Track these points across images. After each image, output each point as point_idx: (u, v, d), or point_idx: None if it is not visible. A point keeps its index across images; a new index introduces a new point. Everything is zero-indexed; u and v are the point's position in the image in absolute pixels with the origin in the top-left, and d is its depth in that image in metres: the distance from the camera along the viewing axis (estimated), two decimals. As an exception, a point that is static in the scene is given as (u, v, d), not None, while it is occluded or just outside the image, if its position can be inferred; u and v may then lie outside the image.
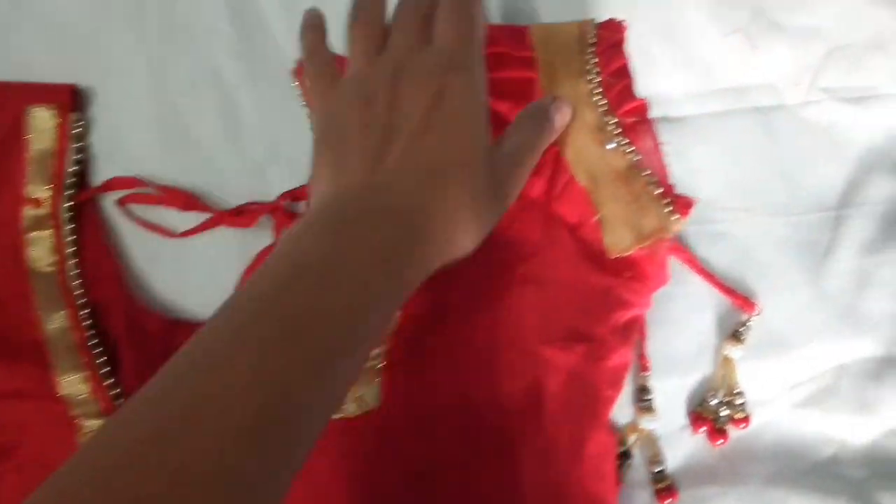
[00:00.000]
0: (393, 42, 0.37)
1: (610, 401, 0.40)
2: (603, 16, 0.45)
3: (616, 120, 0.41)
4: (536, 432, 0.39)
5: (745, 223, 0.44)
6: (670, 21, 0.45)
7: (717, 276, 0.44)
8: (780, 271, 0.44)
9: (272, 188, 0.44)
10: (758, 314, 0.44)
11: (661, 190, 0.40)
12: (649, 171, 0.40)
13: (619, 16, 0.45)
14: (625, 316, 0.40)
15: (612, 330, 0.40)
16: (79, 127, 0.44)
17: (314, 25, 0.40)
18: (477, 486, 0.39)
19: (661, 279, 0.41)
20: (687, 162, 0.44)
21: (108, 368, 0.41)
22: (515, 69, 0.42)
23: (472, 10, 0.36)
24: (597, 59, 0.42)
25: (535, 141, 0.38)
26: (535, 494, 0.39)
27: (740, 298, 0.43)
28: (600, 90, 0.41)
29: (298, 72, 0.44)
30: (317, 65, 0.39)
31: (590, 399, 0.39)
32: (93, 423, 0.40)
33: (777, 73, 0.45)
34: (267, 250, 0.43)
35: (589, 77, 0.41)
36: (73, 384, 0.40)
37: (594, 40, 0.42)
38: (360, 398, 0.40)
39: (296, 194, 0.44)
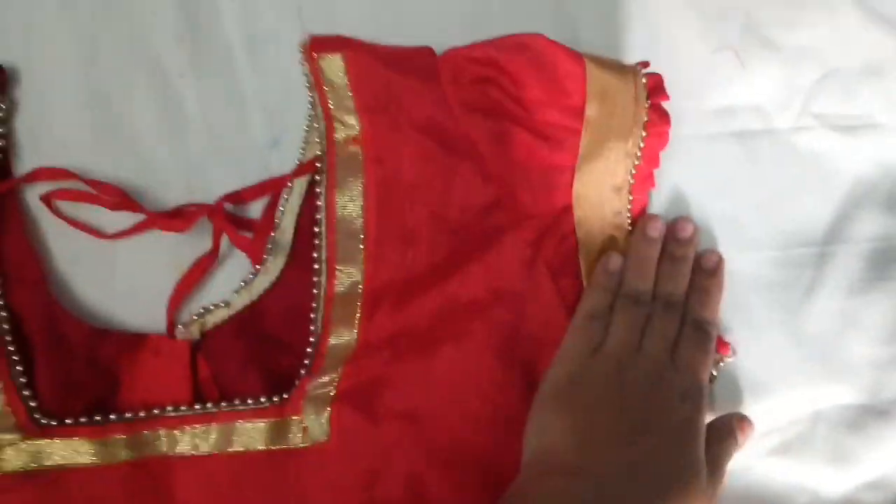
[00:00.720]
0: (654, 336, 0.38)
1: None
2: (584, 25, 0.41)
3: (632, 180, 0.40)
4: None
5: (725, 256, 0.41)
6: (657, 33, 0.42)
7: (690, 311, 0.41)
8: (758, 310, 0.42)
9: (213, 187, 0.40)
10: (731, 356, 0.41)
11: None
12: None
13: (601, 25, 0.42)
14: None
15: None
16: (1, 110, 0.39)
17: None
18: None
19: None
20: (668, 186, 0.42)
21: (25, 380, 0.37)
22: (560, 115, 0.39)
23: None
24: (647, 120, 0.39)
25: (726, 457, 0.39)
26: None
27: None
28: (640, 153, 0.40)
29: (310, 49, 0.39)
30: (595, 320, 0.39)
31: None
32: (6, 437, 0.36)
33: (767, 95, 0.42)
34: (205, 259, 0.39)
35: (640, 139, 0.40)
36: None
37: (647, 100, 0.40)
38: (306, 429, 0.37)
39: (239, 196, 0.40)
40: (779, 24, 0.42)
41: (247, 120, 0.41)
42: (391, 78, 0.39)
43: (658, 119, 0.40)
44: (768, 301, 0.41)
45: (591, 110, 0.39)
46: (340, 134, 0.40)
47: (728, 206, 0.42)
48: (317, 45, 0.39)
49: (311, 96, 0.40)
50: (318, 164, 0.40)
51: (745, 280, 0.41)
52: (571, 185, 0.40)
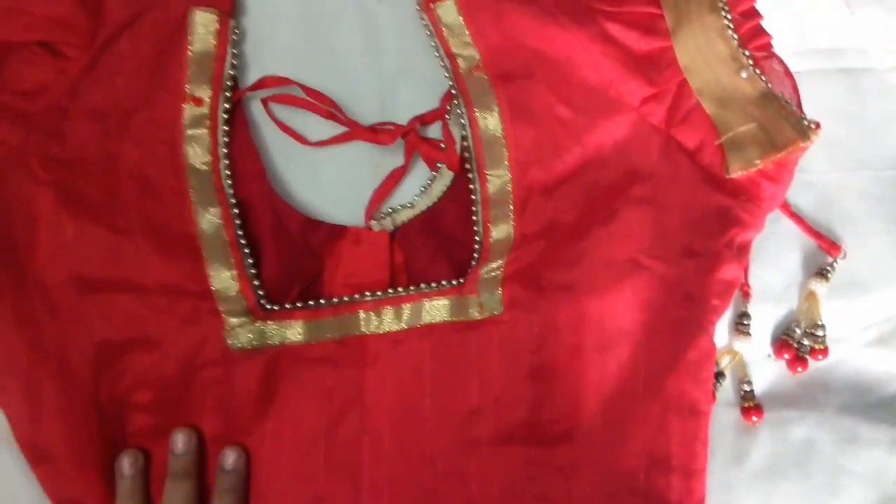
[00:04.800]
0: None
1: (716, 311, 0.43)
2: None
3: (749, 52, 0.44)
4: (636, 338, 0.43)
5: (832, 174, 0.48)
6: None
7: (806, 220, 0.47)
8: (863, 220, 0.48)
9: (400, 101, 0.47)
10: (843, 257, 0.47)
11: (796, 109, 0.43)
12: (784, 95, 0.44)
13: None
14: (740, 235, 0.43)
15: (727, 244, 0.43)
16: (235, 33, 0.45)
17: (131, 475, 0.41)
18: (582, 385, 0.42)
19: (777, 200, 0.44)
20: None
21: (255, 270, 0.42)
22: (638, 5, 0.45)
23: None
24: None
25: None
26: (631, 392, 0.42)
27: (826, 241, 0.47)
28: (732, 25, 0.44)
29: (425, 2, 0.46)
30: None
31: (696, 309, 0.43)
32: (237, 320, 0.41)
33: (870, 38, 0.49)
34: (398, 170, 0.46)
35: (723, 13, 0.44)
36: (223, 281, 0.42)
37: None
38: (482, 304, 0.43)
39: (424, 118, 0.47)
40: (883, -24, 0.49)
41: (428, 47, 0.46)
42: (497, 6, 0.45)
43: None
44: (872, 212, 0.48)
45: None
46: (463, 65, 0.45)
47: (838, 132, 0.48)
48: None
49: (433, 42, 0.46)
50: (454, 92, 0.46)
51: (853, 194, 0.48)
52: (677, 62, 0.45)
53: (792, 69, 0.47)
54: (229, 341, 0.41)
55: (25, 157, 0.42)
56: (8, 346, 0.40)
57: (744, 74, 0.44)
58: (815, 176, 0.48)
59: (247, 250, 0.43)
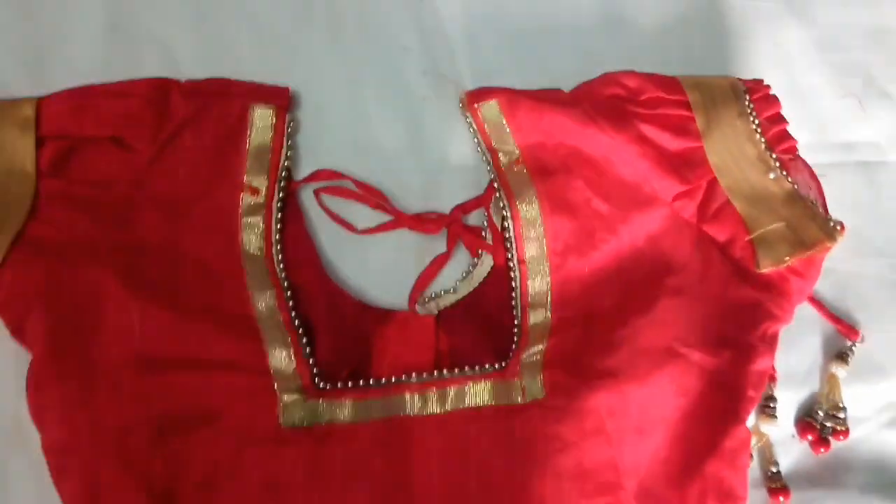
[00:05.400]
0: None
1: (752, 401, 0.45)
2: (727, 71, 0.52)
3: (776, 155, 0.47)
4: (674, 424, 0.44)
5: (850, 262, 0.51)
6: (794, 81, 0.53)
7: (825, 306, 0.50)
8: (880, 306, 0.51)
9: (443, 194, 0.50)
10: (861, 341, 0.50)
11: (822, 211, 0.47)
12: (810, 197, 0.47)
13: (751, 75, 0.52)
14: (771, 327, 0.46)
15: (761, 338, 0.45)
16: (290, 126, 0.49)
17: None
18: (621, 468, 0.44)
19: (804, 294, 0.47)
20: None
21: (309, 349, 0.45)
22: (671, 109, 0.49)
23: None
24: (753, 105, 0.48)
25: None
26: (669, 476, 0.44)
27: (845, 326, 0.50)
28: (760, 129, 0.48)
29: (469, 101, 0.50)
30: None
31: (733, 399, 0.45)
32: (291, 397, 0.43)
33: (882, 134, 0.53)
34: (441, 256, 0.48)
35: (751, 118, 0.48)
36: (280, 360, 0.44)
37: (746, 90, 0.49)
38: (524, 388, 0.45)
39: (465, 207, 0.50)
40: (892, 78, 0.54)
41: (468, 142, 0.50)
42: (537, 106, 0.49)
43: (764, 96, 0.48)
44: (888, 299, 0.51)
45: (692, 97, 0.48)
46: (503, 159, 0.49)
47: (856, 221, 0.50)
48: (473, 97, 0.50)
49: (475, 138, 0.50)
50: (495, 185, 0.49)
51: (870, 281, 0.51)
52: (707, 162, 0.48)
53: (811, 162, 0.50)
54: (282, 419, 0.43)
55: (93, 243, 0.44)
56: (72, 426, 0.41)
57: (771, 176, 0.47)
58: (834, 264, 0.50)
59: (301, 331, 0.45)
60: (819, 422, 0.49)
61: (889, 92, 0.54)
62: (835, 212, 0.49)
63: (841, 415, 0.49)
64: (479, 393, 0.45)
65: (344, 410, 0.44)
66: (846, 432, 0.49)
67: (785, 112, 0.50)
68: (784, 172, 0.47)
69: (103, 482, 0.41)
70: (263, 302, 0.44)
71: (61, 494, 0.42)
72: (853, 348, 0.50)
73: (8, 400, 0.44)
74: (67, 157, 0.45)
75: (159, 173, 0.46)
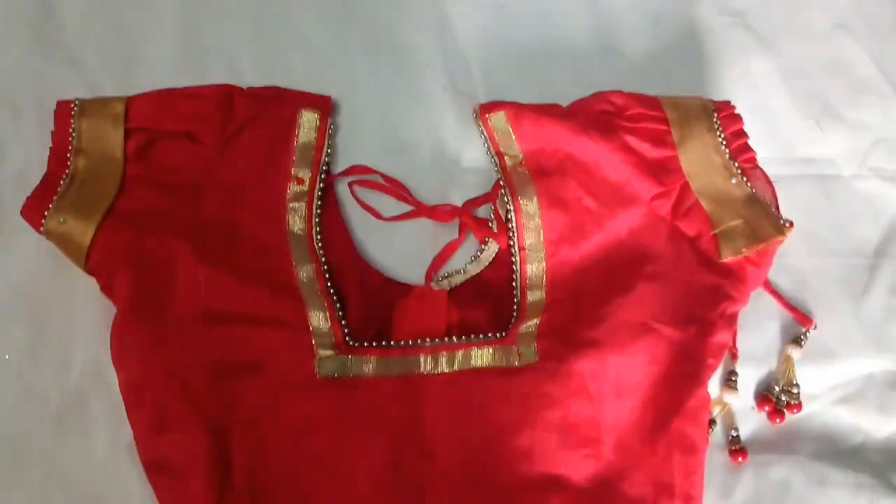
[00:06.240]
0: None
1: (712, 368, 0.53)
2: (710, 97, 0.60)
3: (738, 164, 0.56)
4: (646, 388, 0.52)
5: (807, 260, 0.59)
6: (762, 104, 0.62)
7: (784, 297, 0.58)
8: (832, 299, 0.58)
9: (457, 189, 0.58)
10: (814, 328, 0.57)
11: (775, 211, 0.54)
12: (765, 199, 0.55)
13: (723, 97, 0.60)
14: (730, 307, 0.54)
15: (720, 316, 0.53)
16: (331, 128, 0.57)
17: None
18: (601, 425, 0.51)
19: (759, 281, 0.55)
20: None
21: (342, 312, 0.53)
22: (651, 123, 0.57)
23: None
24: (720, 122, 0.57)
25: None
26: (642, 432, 0.51)
27: (801, 315, 0.57)
28: (725, 142, 0.56)
29: (481, 112, 0.58)
30: None
31: (696, 366, 0.52)
32: (326, 353, 0.51)
33: (837, 152, 0.61)
34: (454, 242, 0.57)
35: (717, 133, 0.56)
36: (318, 320, 0.52)
37: (715, 109, 0.57)
38: (521, 353, 0.52)
39: (475, 202, 0.58)
40: (847, 104, 0.62)
41: (479, 148, 0.59)
42: (538, 118, 0.57)
43: (729, 115, 0.56)
44: (840, 293, 0.58)
45: (670, 114, 0.56)
46: (509, 161, 0.57)
47: (813, 226, 0.59)
48: (485, 109, 0.58)
49: (486, 144, 0.58)
50: (501, 183, 0.57)
51: (825, 277, 0.59)
52: (681, 169, 0.55)
53: (775, 174, 0.58)
54: (317, 370, 0.51)
55: (169, 217, 0.52)
56: (147, 366, 0.49)
57: (734, 181, 0.55)
58: (793, 261, 0.59)
59: (335, 298, 0.53)
60: (775, 395, 0.56)
61: (844, 116, 0.62)
62: (795, 217, 0.56)
63: (795, 390, 0.56)
64: (482, 356, 0.52)
65: (369, 365, 0.52)
66: (799, 406, 0.56)
67: (753, 130, 0.58)
68: (744, 178, 0.55)
69: (170, 413, 0.49)
70: (305, 273, 0.53)
71: (133, 424, 0.50)
72: (807, 334, 0.57)
73: (91, 347, 0.53)
74: (149, 147, 0.54)
75: (223, 163, 0.54)
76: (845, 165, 0.61)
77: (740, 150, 0.56)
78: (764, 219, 0.54)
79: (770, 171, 0.58)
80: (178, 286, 0.51)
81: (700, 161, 0.55)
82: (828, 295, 0.59)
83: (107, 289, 0.51)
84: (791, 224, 0.53)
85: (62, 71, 0.58)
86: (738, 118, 0.57)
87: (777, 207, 0.55)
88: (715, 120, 0.56)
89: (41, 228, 0.51)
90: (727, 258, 0.54)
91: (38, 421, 0.52)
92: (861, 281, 0.59)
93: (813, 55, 0.64)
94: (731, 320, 0.54)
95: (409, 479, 0.50)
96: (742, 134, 0.56)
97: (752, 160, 0.56)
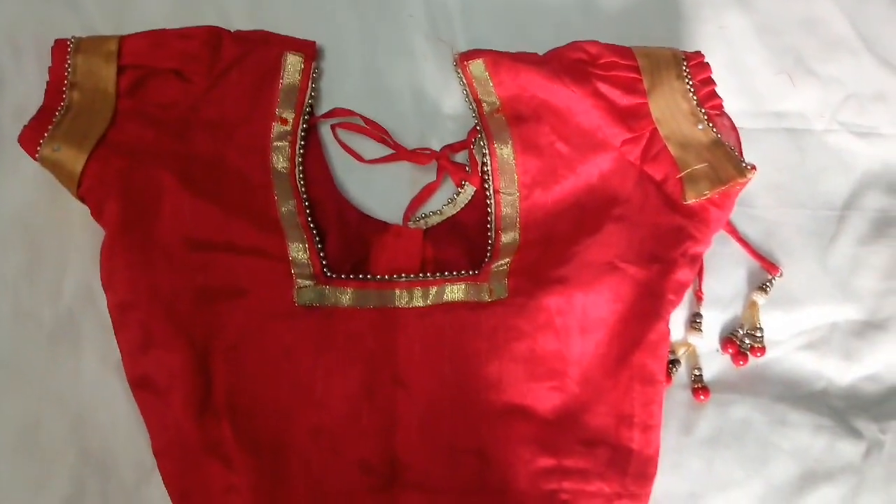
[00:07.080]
0: None
1: (672, 303, 0.55)
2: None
3: (704, 110, 0.57)
4: (610, 323, 0.54)
5: (775, 210, 0.61)
6: (735, 59, 0.63)
7: (751, 245, 0.60)
8: (798, 248, 0.60)
9: (436, 134, 0.61)
10: (780, 276, 0.59)
11: (737, 155, 0.56)
12: (729, 144, 0.57)
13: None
14: (692, 247, 0.56)
15: (682, 254, 0.55)
16: (315, 72, 0.60)
17: None
18: (568, 358, 0.53)
19: (721, 222, 0.57)
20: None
21: (321, 246, 0.55)
22: (623, 71, 0.59)
23: None
24: (689, 70, 0.58)
25: None
26: (605, 365, 0.54)
27: (767, 262, 0.59)
28: (693, 89, 0.58)
29: (460, 60, 0.60)
30: None
31: (657, 302, 0.55)
32: (304, 282, 0.54)
33: (808, 106, 0.63)
34: (431, 185, 0.59)
35: (686, 80, 0.58)
36: (298, 251, 0.54)
37: (685, 58, 0.59)
38: (492, 290, 0.55)
39: (454, 147, 0.60)
40: (819, 60, 0.64)
41: (458, 95, 0.61)
42: (515, 66, 0.59)
43: (698, 63, 0.58)
44: (806, 243, 0.60)
45: (641, 62, 0.58)
46: (486, 108, 0.59)
47: (783, 178, 0.61)
48: (464, 57, 0.60)
49: (464, 90, 0.60)
50: (478, 128, 0.60)
51: (792, 228, 0.60)
52: (650, 115, 0.57)
53: (747, 127, 0.61)
54: (296, 299, 0.53)
55: (157, 150, 0.55)
56: (134, 287, 0.52)
57: (700, 127, 0.57)
58: (761, 211, 0.61)
59: (314, 231, 0.55)
60: (739, 339, 0.58)
61: (816, 71, 0.63)
62: (766, 169, 0.59)
63: (758, 334, 0.58)
64: (454, 292, 0.55)
65: (346, 296, 0.54)
66: (762, 349, 0.58)
67: (726, 85, 0.60)
68: (710, 124, 0.57)
69: (155, 332, 0.52)
70: (286, 207, 0.55)
71: (120, 343, 0.53)
72: (772, 281, 0.59)
73: (84, 272, 0.56)
74: (141, 83, 0.57)
75: (211, 101, 0.57)
76: (816, 120, 0.63)
77: (707, 97, 0.58)
78: (727, 162, 0.56)
79: (742, 124, 0.60)
80: (165, 214, 0.54)
81: (669, 107, 0.57)
82: (795, 245, 0.61)
83: (97, 214, 0.54)
84: (753, 167, 0.55)
85: (61, 13, 0.61)
86: (706, 66, 0.58)
87: (740, 152, 0.57)
88: (684, 68, 0.58)
89: (36, 155, 0.54)
90: (691, 200, 0.56)
91: (32, 340, 0.55)
92: (828, 232, 0.61)
93: (787, 11, 0.65)
94: (694, 260, 0.56)
95: (383, 405, 0.53)
96: (710, 81, 0.58)
97: (719, 107, 0.58)
